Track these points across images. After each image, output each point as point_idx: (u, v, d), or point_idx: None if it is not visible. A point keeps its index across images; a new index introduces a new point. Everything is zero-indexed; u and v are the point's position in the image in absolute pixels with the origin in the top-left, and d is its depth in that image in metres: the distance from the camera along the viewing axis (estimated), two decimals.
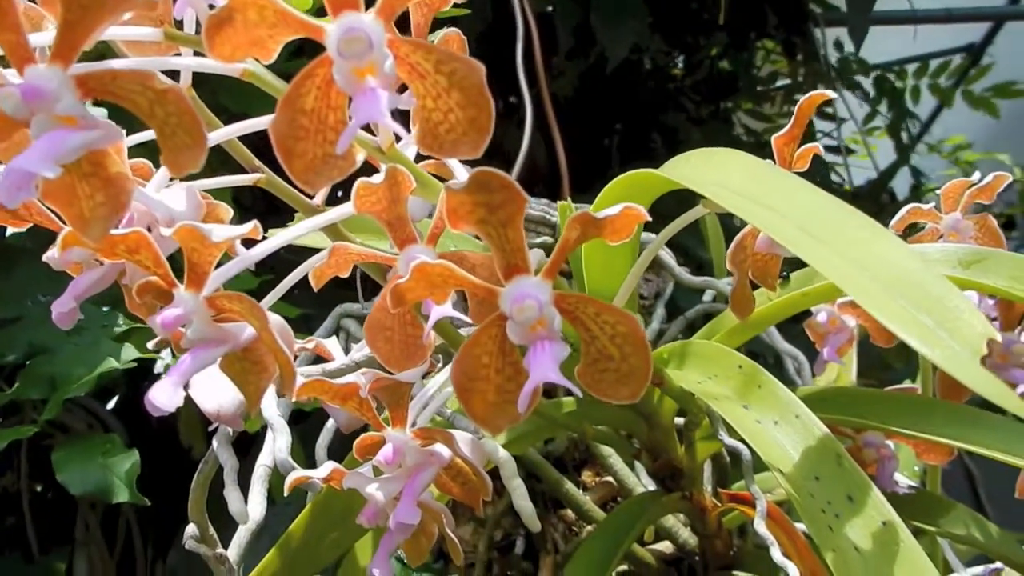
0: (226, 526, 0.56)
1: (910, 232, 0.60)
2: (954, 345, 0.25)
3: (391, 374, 0.42)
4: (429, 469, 0.41)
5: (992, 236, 0.59)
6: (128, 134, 0.37)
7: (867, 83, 2.18)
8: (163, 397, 0.32)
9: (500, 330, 0.33)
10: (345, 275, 0.41)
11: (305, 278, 0.50)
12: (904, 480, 0.65)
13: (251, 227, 0.32)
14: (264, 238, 0.36)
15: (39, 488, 0.99)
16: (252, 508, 0.57)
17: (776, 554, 0.59)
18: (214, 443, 0.53)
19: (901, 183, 2.37)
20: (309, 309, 0.88)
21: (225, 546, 0.57)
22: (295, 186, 0.47)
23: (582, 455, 0.77)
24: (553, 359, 0.32)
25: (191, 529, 0.56)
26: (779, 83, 1.99)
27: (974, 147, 2.70)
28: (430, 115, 0.31)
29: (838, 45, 2.07)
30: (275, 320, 0.34)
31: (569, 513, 0.74)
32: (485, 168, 0.30)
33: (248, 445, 0.78)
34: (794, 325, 0.71)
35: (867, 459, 0.61)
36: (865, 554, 0.40)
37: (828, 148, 2.06)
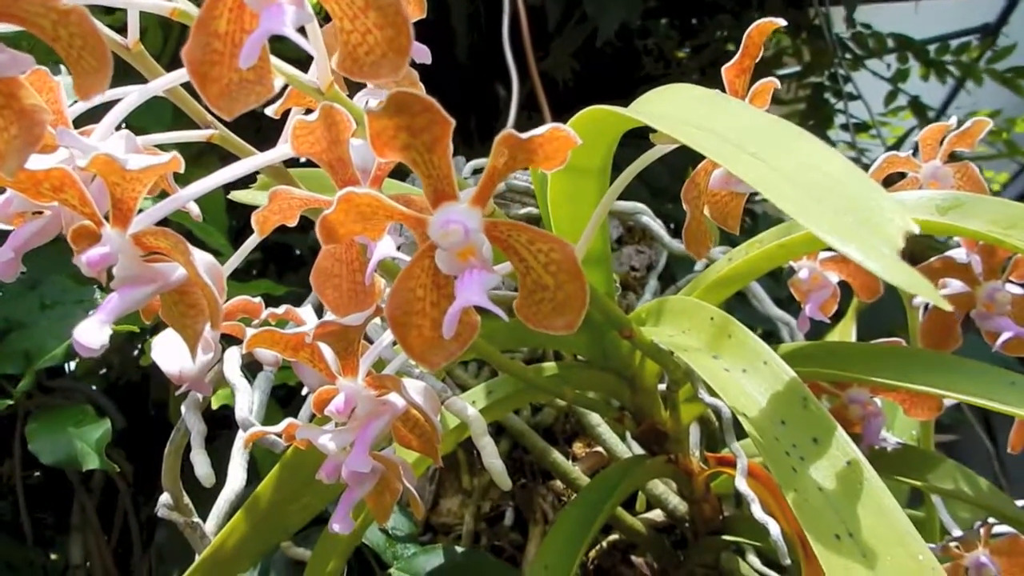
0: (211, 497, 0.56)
1: (891, 182, 0.58)
2: (873, 240, 0.24)
3: None
4: (382, 418, 0.40)
5: (974, 183, 0.58)
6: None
7: (881, 66, 2.14)
8: (88, 335, 0.32)
9: (432, 261, 0.33)
10: (292, 223, 0.40)
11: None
12: (892, 438, 0.63)
13: (171, 157, 0.32)
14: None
15: (39, 476, 1.00)
16: (232, 478, 0.57)
17: (757, 511, 0.58)
18: (183, 409, 0.53)
19: None
20: (300, 288, 0.88)
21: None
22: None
23: (573, 427, 0.76)
24: (481, 285, 0.31)
25: (164, 498, 0.56)
26: (785, 61, 1.96)
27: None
28: (348, 37, 0.31)
29: (850, 21, 2.04)
30: (204, 259, 0.34)
31: (558, 483, 0.73)
32: (404, 89, 0.30)
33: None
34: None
35: (853, 416, 0.60)
36: (828, 493, 0.39)
37: (843, 127, 2.03)
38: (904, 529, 0.37)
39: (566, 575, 0.54)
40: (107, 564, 0.85)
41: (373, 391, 0.41)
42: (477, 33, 1.16)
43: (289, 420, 0.43)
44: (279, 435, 0.44)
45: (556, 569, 0.55)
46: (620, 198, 0.81)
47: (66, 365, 1.16)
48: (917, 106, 2.14)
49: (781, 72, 2.08)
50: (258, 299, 0.53)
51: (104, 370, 1.09)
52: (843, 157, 0.27)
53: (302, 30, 0.33)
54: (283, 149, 0.38)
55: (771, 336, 0.87)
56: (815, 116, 2.04)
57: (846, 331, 0.92)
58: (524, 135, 0.30)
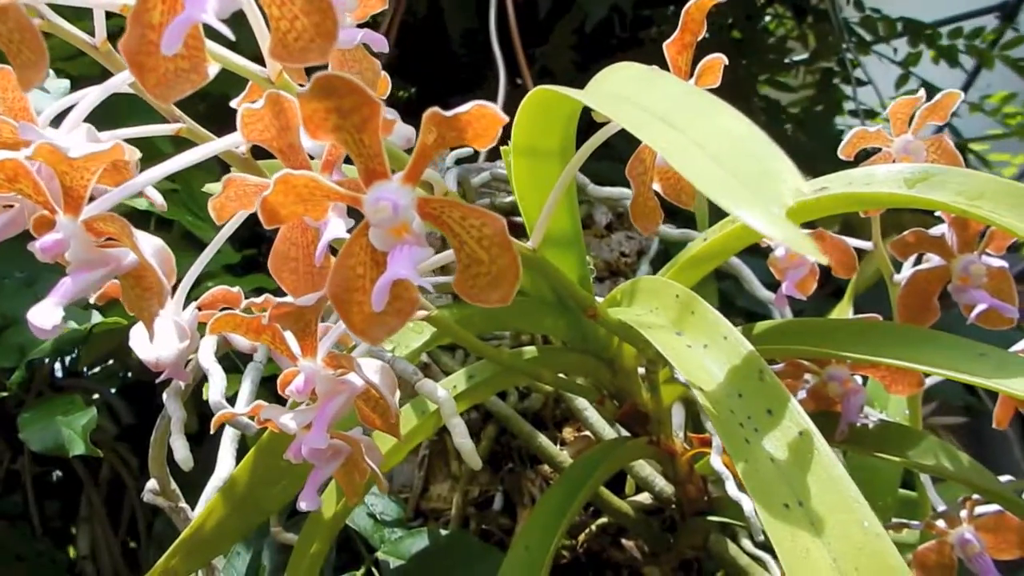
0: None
1: (865, 157, 0.58)
2: (763, 202, 0.24)
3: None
4: (340, 396, 0.41)
5: (948, 157, 0.58)
6: None
7: (888, 50, 2.12)
8: (41, 318, 0.33)
9: (369, 239, 0.34)
10: (252, 210, 0.41)
11: None
12: (875, 413, 0.63)
13: (113, 145, 0.33)
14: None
15: (51, 473, 1.02)
16: (221, 466, 0.58)
17: (731, 488, 0.58)
18: (164, 397, 0.55)
19: None
20: None
21: None
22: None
23: (563, 412, 0.77)
24: (411, 259, 0.32)
25: (151, 483, 0.57)
26: (790, 47, 1.95)
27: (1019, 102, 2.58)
28: (278, 24, 0.32)
29: (858, 4, 2.02)
30: (152, 243, 0.35)
31: (547, 468, 0.74)
32: (330, 72, 0.31)
33: None
34: None
35: (832, 393, 0.60)
36: (780, 463, 0.39)
37: (852, 113, 2.02)
38: (852, 496, 0.37)
39: (544, 555, 0.55)
40: (114, 555, 0.87)
41: (332, 371, 0.42)
42: (471, 24, 1.17)
43: (257, 402, 0.45)
44: (250, 417, 0.45)
45: (535, 549, 0.56)
46: (608, 184, 0.82)
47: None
48: (929, 90, 2.11)
49: (792, 59, 2.07)
50: (237, 288, 0.55)
51: (124, 372, 1.11)
52: (751, 123, 0.28)
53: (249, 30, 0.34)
54: (234, 137, 0.39)
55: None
56: (824, 102, 2.02)
57: (843, 312, 0.92)
58: (449, 112, 0.31)
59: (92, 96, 0.41)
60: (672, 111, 0.31)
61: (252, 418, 0.46)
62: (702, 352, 0.46)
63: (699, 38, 0.41)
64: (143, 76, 0.31)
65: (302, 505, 0.44)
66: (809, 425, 0.40)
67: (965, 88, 2.65)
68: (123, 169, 0.42)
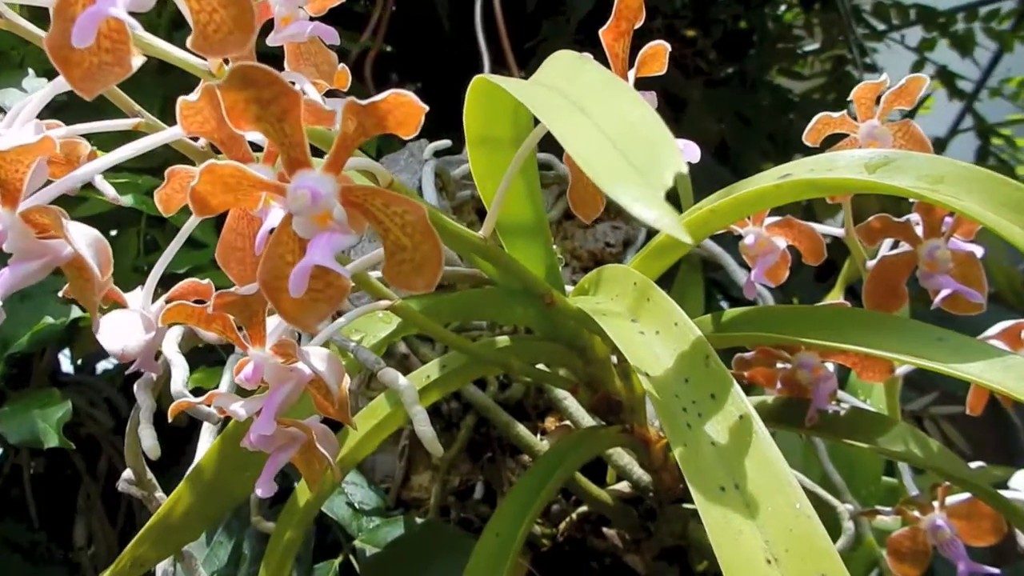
0: None
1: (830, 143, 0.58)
2: (650, 188, 0.25)
3: None
4: (288, 384, 0.42)
5: (916, 142, 0.57)
6: None
7: (899, 37, 2.10)
8: None
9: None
10: None
11: None
12: (852, 400, 0.63)
13: (42, 138, 0.34)
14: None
15: (68, 469, 1.04)
16: (200, 455, 0.59)
17: None
18: (135, 388, 0.56)
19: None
20: None
21: None
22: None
23: (545, 402, 0.77)
24: (329, 247, 0.32)
25: (126, 473, 0.59)
26: (795, 34, 1.94)
27: None
28: (198, 17, 0.32)
29: None
30: (88, 234, 0.36)
31: (526, 457, 0.74)
32: (248, 63, 0.31)
33: None
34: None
35: (803, 380, 0.60)
36: (720, 447, 0.40)
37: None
38: (785, 480, 0.38)
39: (513, 541, 0.56)
40: (111, 546, 0.89)
41: (280, 359, 0.42)
42: (462, 20, 1.17)
43: (212, 390, 0.45)
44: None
45: (505, 536, 0.57)
46: None
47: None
48: (945, 75, 2.09)
49: (805, 48, 2.05)
50: (207, 281, 0.55)
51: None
52: (649, 108, 0.28)
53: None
54: (175, 130, 0.40)
55: None
56: (837, 89, 2.01)
57: (834, 299, 0.92)
58: (365, 102, 0.32)
59: (42, 94, 0.42)
60: (584, 97, 0.31)
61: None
62: (653, 339, 0.46)
63: (636, 26, 0.41)
64: (68, 70, 0.32)
65: (259, 492, 0.44)
66: (749, 409, 0.40)
67: (986, 73, 2.61)
68: (75, 163, 0.43)
